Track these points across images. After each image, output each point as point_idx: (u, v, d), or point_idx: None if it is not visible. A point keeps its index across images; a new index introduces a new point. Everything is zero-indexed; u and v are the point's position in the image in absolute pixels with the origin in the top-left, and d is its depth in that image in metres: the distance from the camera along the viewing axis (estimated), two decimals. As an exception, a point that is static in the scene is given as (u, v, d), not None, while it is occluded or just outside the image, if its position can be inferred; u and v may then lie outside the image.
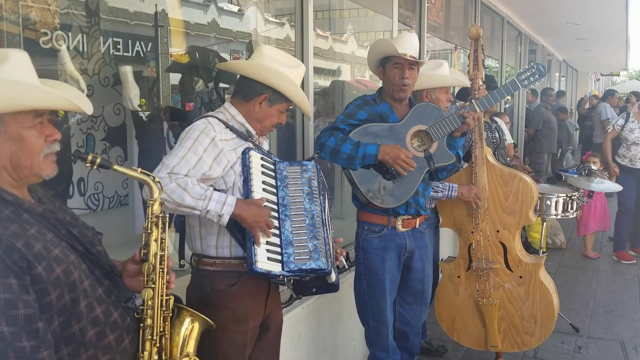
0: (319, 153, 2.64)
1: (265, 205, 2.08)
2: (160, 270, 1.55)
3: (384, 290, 2.98)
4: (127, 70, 3.32)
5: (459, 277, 3.59)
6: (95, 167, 1.51)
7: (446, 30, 6.91)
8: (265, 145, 2.33)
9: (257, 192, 2.10)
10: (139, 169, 1.56)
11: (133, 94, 3.28)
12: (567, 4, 8.14)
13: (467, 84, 3.45)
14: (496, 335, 3.52)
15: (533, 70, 3.18)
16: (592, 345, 4.21)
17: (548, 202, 4.28)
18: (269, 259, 2.04)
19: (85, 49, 3.69)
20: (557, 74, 16.96)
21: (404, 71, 2.84)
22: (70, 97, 1.39)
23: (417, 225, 3.05)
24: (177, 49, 4.68)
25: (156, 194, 1.58)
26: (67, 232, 1.48)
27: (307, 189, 2.23)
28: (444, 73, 3.40)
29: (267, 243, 2.06)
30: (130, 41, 3.89)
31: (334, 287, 2.28)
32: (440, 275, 3.70)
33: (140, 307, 1.54)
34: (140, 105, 3.56)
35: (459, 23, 7.40)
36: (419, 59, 2.90)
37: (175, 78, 4.52)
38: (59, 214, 1.50)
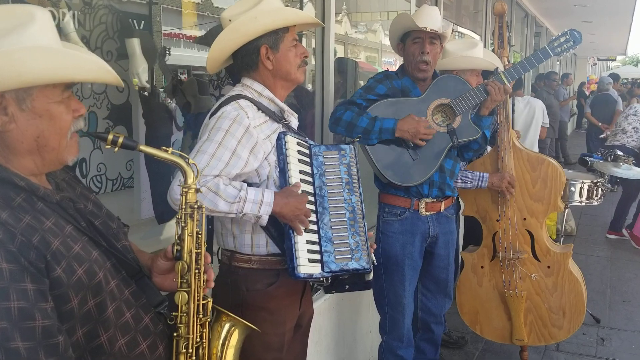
0: (360, 137, 2.43)
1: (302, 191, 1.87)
2: (196, 270, 1.33)
3: (403, 276, 2.81)
4: (135, 43, 3.07)
5: (482, 267, 3.42)
6: (117, 148, 1.28)
7: (457, 10, 6.68)
8: (294, 122, 2.06)
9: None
10: (170, 149, 1.34)
11: (141, 69, 3.04)
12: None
13: (500, 67, 3.24)
14: (522, 328, 3.36)
15: (567, 37, 2.93)
16: (614, 336, 4.07)
17: (572, 189, 4.11)
18: (310, 260, 1.83)
19: (88, 22, 3.45)
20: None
21: (424, 45, 2.68)
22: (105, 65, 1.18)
23: (442, 209, 2.87)
24: (170, 27, 4.46)
25: (191, 180, 1.36)
26: (88, 225, 1.27)
27: (346, 177, 2.01)
28: (476, 55, 3.18)
29: (308, 242, 1.85)
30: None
31: (368, 285, 2.07)
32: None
33: (174, 314, 1.33)
34: (146, 81, 3.32)
35: (467, 3, 7.17)
36: (442, 32, 2.71)
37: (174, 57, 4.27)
38: (78, 203, 1.28)
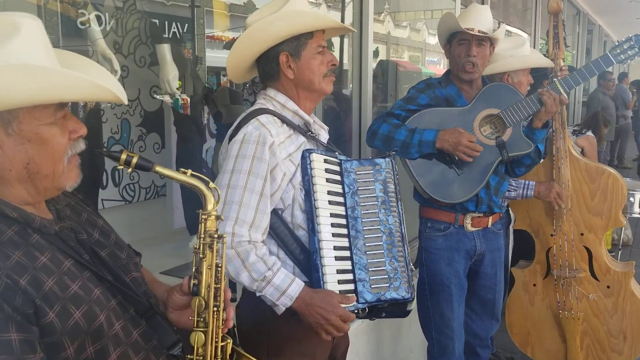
0: (396, 150, 2.25)
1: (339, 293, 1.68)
2: (215, 308, 1.17)
3: (450, 297, 2.60)
4: (165, 49, 2.96)
5: (534, 285, 3.17)
6: (131, 169, 1.14)
7: (505, 8, 6.39)
8: (324, 135, 1.89)
9: (322, 208, 1.71)
10: (189, 171, 1.19)
11: (172, 76, 2.93)
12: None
13: (551, 63, 3.01)
14: (578, 352, 3.09)
15: (632, 43, 2.68)
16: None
17: (631, 199, 3.81)
18: (341, 292, 1.67)
19: (120, 27, 3.37)
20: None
21: (470, 48, 2.47)
22: (103, 81, 1.02)
23: (489, 225, 2.65)
24: (214, 30, 4.39)
25: (211, 205, 1.20)
26: (92, 257, 1.12)
27: (382, 196, 1.83)
28: (526, 52, 2.96)
29: (338, 272, 1.68)
30: (166, 22, 3.66)
31: (406, 313, 1.89)
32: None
33: (189, 357, 1.17)
34: (177, 88, 3.21)
35: (516, 0, 6.86)
36: (491, 34, 2.51)
37: (211, 60, 4.22)
38: (81, 233, 1.14)
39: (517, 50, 2.94)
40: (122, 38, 3.45)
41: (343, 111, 4.00)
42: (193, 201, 3.24)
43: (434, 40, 10.72)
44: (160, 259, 3.01)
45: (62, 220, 1.11)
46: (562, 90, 2.54)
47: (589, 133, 4.65)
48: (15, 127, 0.98)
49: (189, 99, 3.35)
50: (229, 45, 3.63)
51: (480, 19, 2.52)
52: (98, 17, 3.10)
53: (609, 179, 2.99)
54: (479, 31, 2.47)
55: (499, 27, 2.71)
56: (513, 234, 3.69)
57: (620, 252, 3.98)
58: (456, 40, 2.53)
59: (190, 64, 3.32)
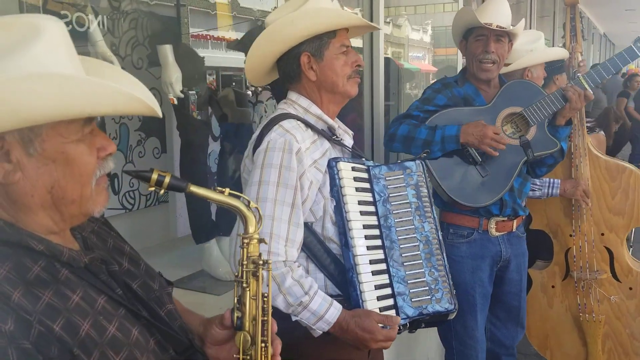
0: (429, 152, 2.13)
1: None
2: (263, 345, 1.04)
3: (474, 306, 2.48)
4: (167, 50, 2.81)
5: (553, 287, 3.08)
6: (163, 190, 1.00)
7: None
8: (348, 140, 1.78)
9: (354, 220, 1.60)
10: (227, 190, 1.05)
11: (174, 78, 2.78)
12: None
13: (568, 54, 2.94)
14: (599, 356, 3.01)
15: None
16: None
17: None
18: (381, 309, 1.56)
19: (111, 29, 3.22)
20: (596, 47, 16.14)
21: (488, 44, 2.35)
22: (137, 92, 0.88)
23: (513, 229, 2.53)
24: (198, 29, 4.28)
25: (252, 227, 1.07)
26: (125, 291, 0.99)
27: (415, 201, 1.72)
28: (543, 46, 2.88)
29: (376, 287, 1.58)
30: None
31: (445, 322, 1.83)
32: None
33: (235, 401, 1.04)
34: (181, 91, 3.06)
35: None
36: (510, 29, 2.40)
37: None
38: (112, 264, 1.00)
39: (536, 44, 2.85)
40: (118, 39, 3.28)
41: (344, 110, 3.88)
42: (198, 207, 3.09)
43: (417, 35, 10.62)
44: (164, 269, 2.85)
45: (90, 250, 0.98)
46: (587, 86, 2.45)
47: (600, 131, 4.57)
48: (37, 146, 0.85)
49: (175, 99, 3.20)
50: (232, 45, 3.48)
51: (499, 14, 2.40)
52: (82, 19, 2.95)
53: (631, 177, 2.92)
54: (497, 26, 2.36)
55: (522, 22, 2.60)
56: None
57: (632, 248, 3.90)
58: (473, 36, 2.42)
59: (199, 64, 3.16)
